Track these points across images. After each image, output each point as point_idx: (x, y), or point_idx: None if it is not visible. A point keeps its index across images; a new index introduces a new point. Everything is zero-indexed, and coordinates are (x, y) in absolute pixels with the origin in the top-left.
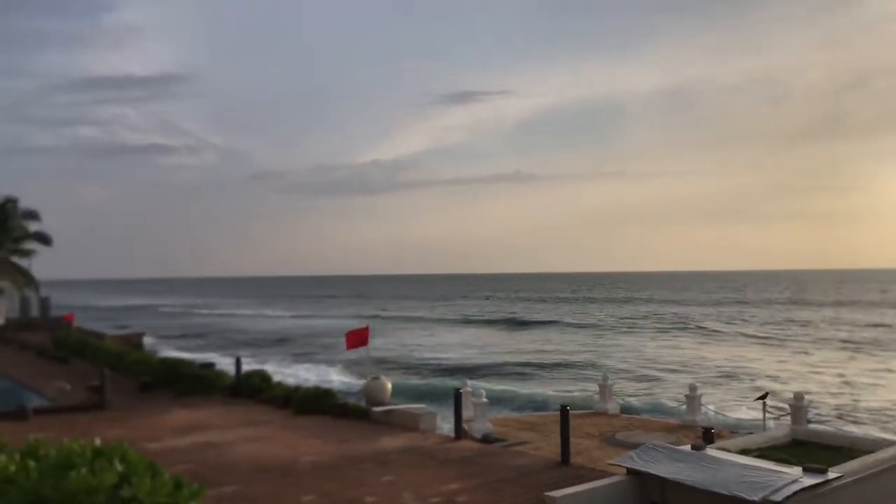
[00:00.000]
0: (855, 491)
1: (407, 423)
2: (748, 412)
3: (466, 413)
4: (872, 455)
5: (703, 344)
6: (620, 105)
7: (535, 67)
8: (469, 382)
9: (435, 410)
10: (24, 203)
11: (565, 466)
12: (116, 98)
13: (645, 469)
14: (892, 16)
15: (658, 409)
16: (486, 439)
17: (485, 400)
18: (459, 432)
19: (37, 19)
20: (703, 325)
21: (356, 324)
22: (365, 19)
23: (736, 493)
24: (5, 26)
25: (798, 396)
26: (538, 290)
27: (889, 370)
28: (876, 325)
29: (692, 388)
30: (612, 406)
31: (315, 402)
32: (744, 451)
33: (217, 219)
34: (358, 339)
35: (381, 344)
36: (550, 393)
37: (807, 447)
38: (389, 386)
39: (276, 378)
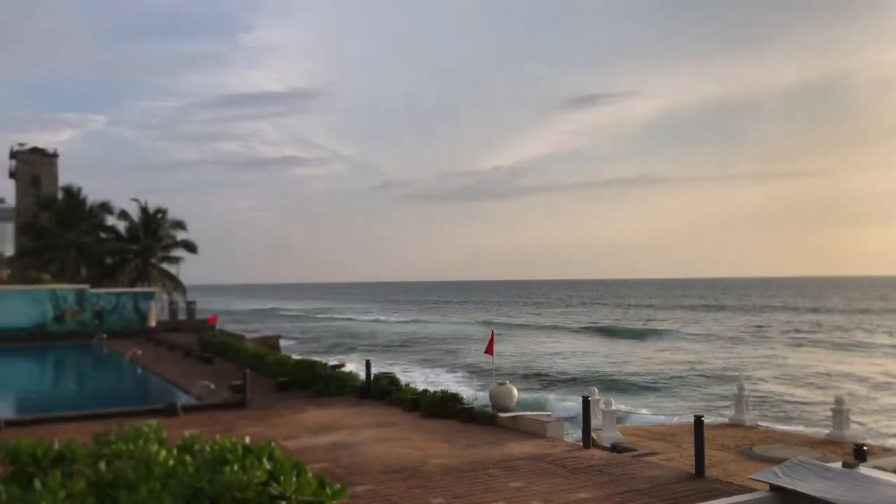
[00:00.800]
0: None
1: (534, 430)
2: None
3: (595, 422)
4: None
5: (849, 354)
6: (752, 102)
7: (661, 67)
8: (596, 390)
9: (562, 418)
10: (172, 213)
11: (700, 479)
12: (254, 114)
13: (791, 486)
14: None
15: (799, 421)
16: (616, 448)
17: (613, 408)
18: (588, 441)
19: (185, 42)
20: (847, 332)
21: (477, 330)
22: (487, 27)
23: None
24: (160, 51)
25: None
26: (665, 296)
27: None
28: None
29: (839, 400)
30: (749, 417)
31: (442, 406)
32: None
33: (344, 226)
34: (489, 345)
35: (502, 350)
36: (681, 402)
37: None
38: (516, 392)
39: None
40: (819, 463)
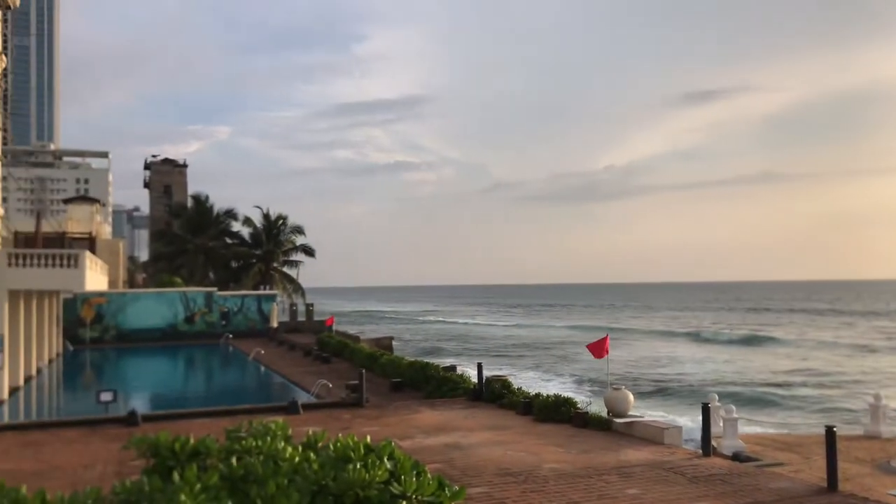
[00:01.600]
0: None
1: (651, 437)
2: None
3: (715, 429)
4: None
5: None
6: (886, 93)
7: (781, 60)
8: (717, 397)
9: (682, 424)
10: (291, 219)
11: (833, 493)
12: (367, 121)
13: None
14: None
15: None
16: (738, 457)
17: (735, 415)
18: (708, 449)
19: (301, 55)
20: None
21: (585, 334)
22: (594, 25)
23: None
24: (278, 64)
25: None
26: (789, 298)
27: None
28: None
29: (876, 397)
30: (886, 429)
31: (555, 410)
32: None
33: (452, 230)
34: (599, 348)
35: (615, 356)
36: (809, 413)
37: None
38: (631, 397)
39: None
40: None
